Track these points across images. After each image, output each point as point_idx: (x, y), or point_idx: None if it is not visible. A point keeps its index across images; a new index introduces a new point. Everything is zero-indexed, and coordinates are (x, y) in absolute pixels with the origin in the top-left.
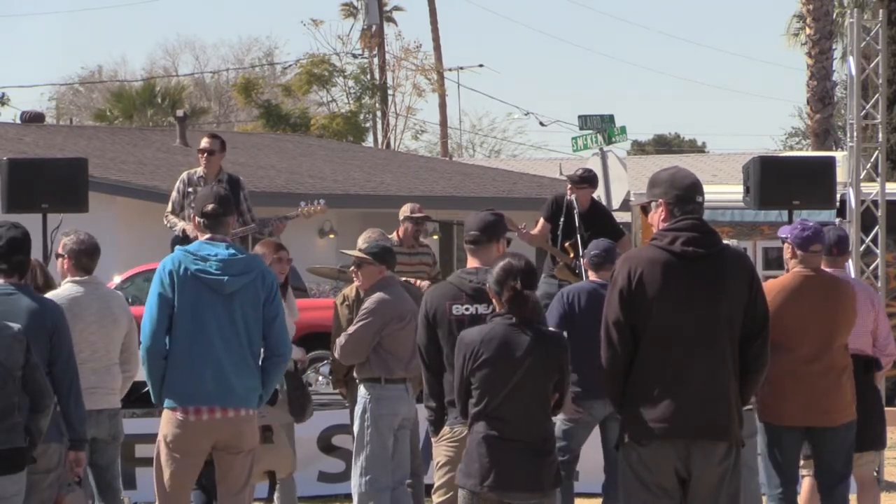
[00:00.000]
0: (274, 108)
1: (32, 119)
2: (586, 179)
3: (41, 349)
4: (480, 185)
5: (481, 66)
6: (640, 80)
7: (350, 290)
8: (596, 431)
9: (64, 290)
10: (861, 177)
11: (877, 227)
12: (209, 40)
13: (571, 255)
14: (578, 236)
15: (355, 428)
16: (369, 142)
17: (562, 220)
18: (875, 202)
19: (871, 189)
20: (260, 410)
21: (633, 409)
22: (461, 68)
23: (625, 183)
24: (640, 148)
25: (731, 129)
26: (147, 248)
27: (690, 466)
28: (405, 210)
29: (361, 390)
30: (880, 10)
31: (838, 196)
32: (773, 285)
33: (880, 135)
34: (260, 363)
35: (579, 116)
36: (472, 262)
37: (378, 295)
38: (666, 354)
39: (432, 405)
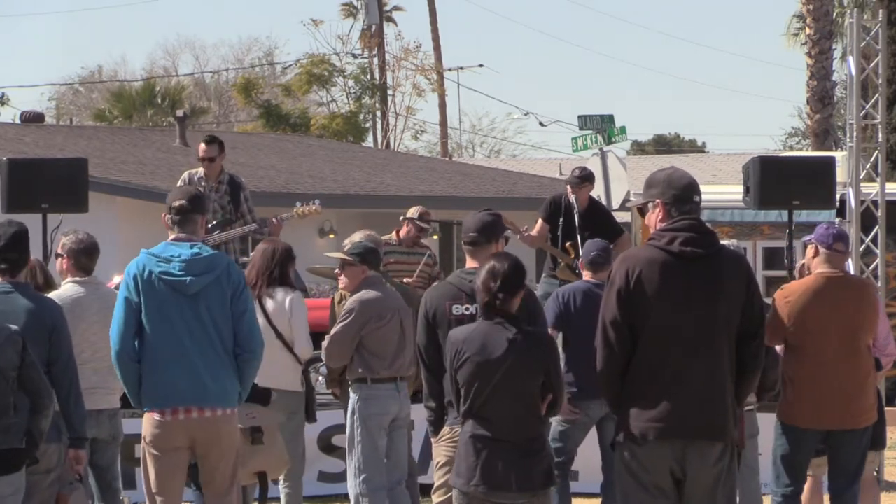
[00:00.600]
0: (274, 108)
1: (32, 119)
2: (585, 178)
3: (40, 349)
4: (480, 185)
5: (481, 66)
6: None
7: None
8: (593, 432)
9: (65, 290)
10: (861, 177)
11: (877, 227)
12: (209, 40)
13: (572, 255)
14: (579, 236)
15: (347, 429)
16: (369, 142)
17: (561, 220)
18: (875, 202)
19: (871, 189)
20: (251, 411)
21: (630, 408)
22: (461, 68)
23: (625, 183)
24: (640, 148)
25: (731, 129)
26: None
27: (686, 467)
28: (412, 212)
29: (351, 391)
30: (880, 10)
31: (838, 196)
32: (797, 287)
33: (880, 135)
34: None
35: (579, 116)
36: (470, 263)
37: (357, 295)
38: (664, 354)
39: (432, 405)
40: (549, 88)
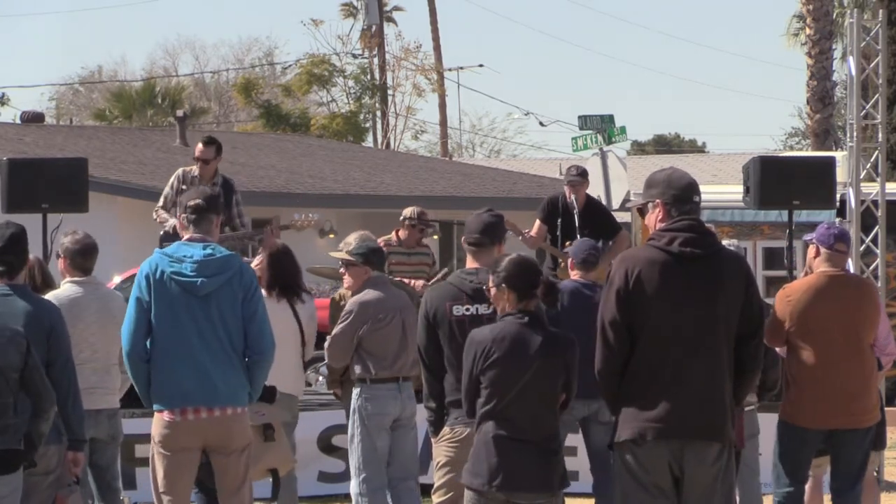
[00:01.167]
0: (274, 108)
1: (32, 119)
2: (583, 175)
3: (38, 350)
4: (480, 185)
5: (481, 66)
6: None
7: (346, 291)
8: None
9: (63, 290)
10: (861, 177)
11: (877, 227)
12: (209, 40)
13: None
14: (578, 236)
15: (348, 428)
16: (369, 142)
17: (560, 220)
18: (875, 202)
19: (871, 189)
20: (259, 409)
21: (629, 408)
22: (461, 68)
23: (625, 183)
24: (640, 148)
25: (731, 129)
26: (147, 248)
27: (683, 466)
28: (410, 212)
29: (354, 391)
30: (880, 10)
31: (838, 196)
32: (799, 286)
33: (880, 135)
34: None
35: (579, 116)
36: (471, 263)
37: (357, 296)
38: (663, 354)
39: (432, 406)
40: (549, 88)
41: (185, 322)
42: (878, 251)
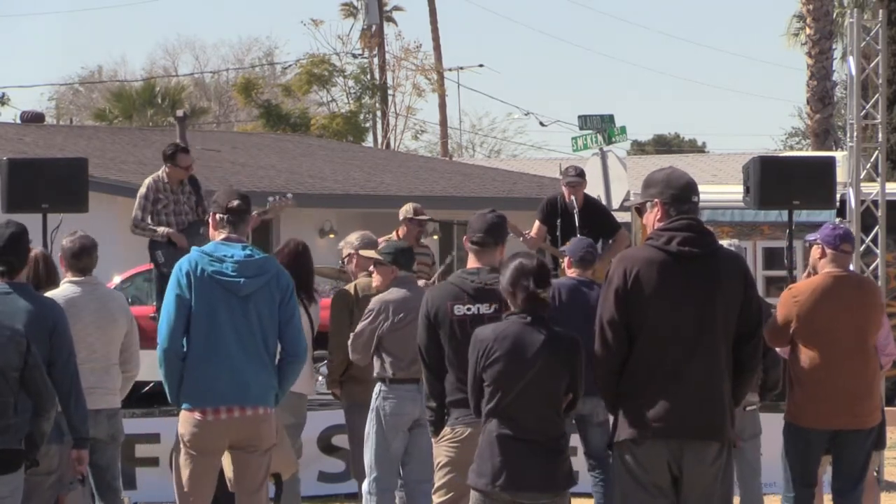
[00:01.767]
0: (274, 108)
1: (32, 119)
2: (579, 175)
3: (40, 349)
4: (480, 185)
5: (481, 66)
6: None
7: (350, 288)
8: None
9: (61, 290)
10: (861, 177)
11: (877, 227)
12: (209, 40)
13: None
14: (578, 236)
15: (366, 425)
16: (369, 142)
17: (559, 220)
18: (875, 202)
19: (871, 189)
20: None
21: (628, 408)
22: (461, 68)
23: (625, 183)
24: (640, 148)
25: (731, 129)
26: (147, 248)
27: (682, 466)
28: (407, 211)
29: (374, 389)
30: (880, 10)
31: (838, 196)
32: (805, 286)
33: (880, 135)
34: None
35: (579, 116)
36: (472, 263)
37: (380, 295)
38: (661, 354)
39: (433, 405)
40: (549, 88)
41: (224, 322)
42: (878, 251)
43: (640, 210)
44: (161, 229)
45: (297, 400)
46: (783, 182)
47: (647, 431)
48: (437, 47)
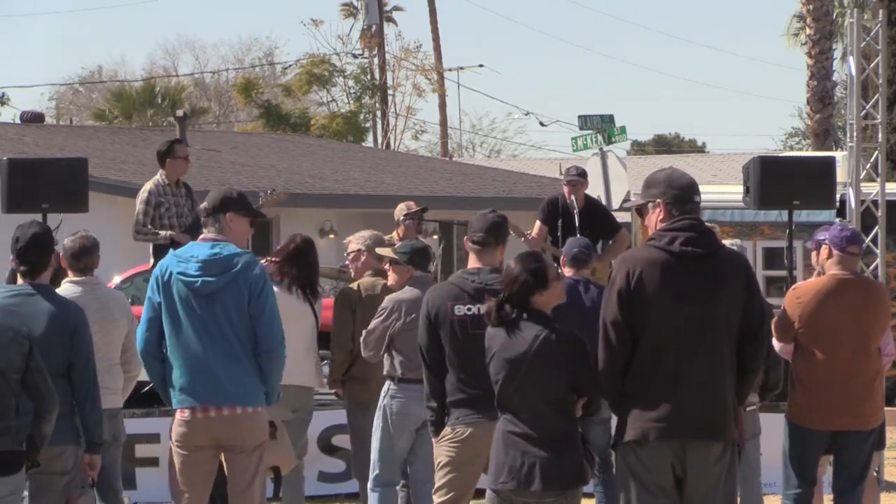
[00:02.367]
0: (274, 108)
1: (32, 119)
2: (580, 175)
3: (61, 351)
4: (480, 185)
5: (481, 66)
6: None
7: (354, 287)
8: None
9: (62, 290)
10: (861, 177)
11: (877, 227)
12: (209, 40)
13: None
14: (579, 235)
15: (374, 421)
16: (369, 142)
17: (560, 221)
18: (875, 202)
19: (871, 189)
20: None
21: (631, 409)
22: (461, 68)
23: (625, 183)
24: (640, 148)
25: (731, 129)
26: (147, 248)
27: (686, 466)
28: (400, 210)
29: (383, 387)
30: (880, 10)
31: (838, 196)
32: (809, 288)
33: (880, 135)
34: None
35: (579, 116)
36: (473, 263)
37: (394, 294)
38: (664, 354)
39: (433, 405)
40: (549, 88)
41: (191, 322)
42: (878, 251)
43: (640, 211)
44: (163, 232)
45: (303, 393)
46: (783, 182)
47: (651, 432)
48: (437, 47)
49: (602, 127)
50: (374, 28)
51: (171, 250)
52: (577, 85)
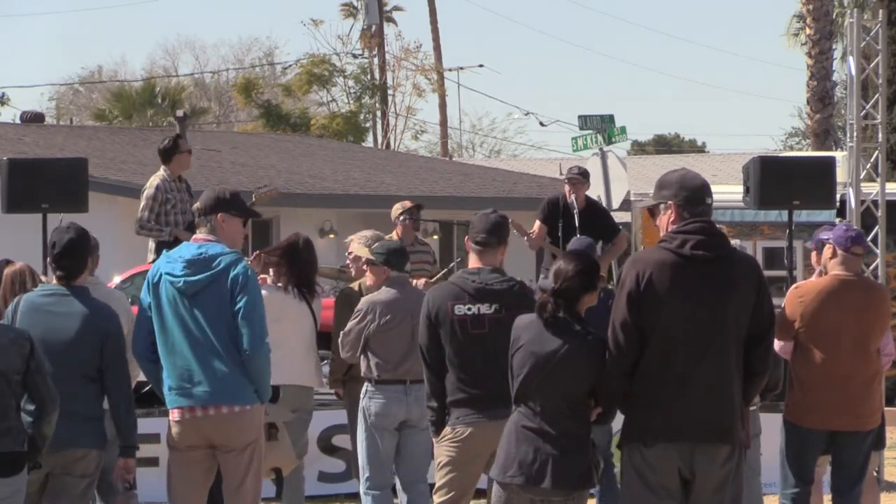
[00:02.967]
0: (274, 108)
1: (32, 119)
2: (582, 174)
3: (91, 354)
4: (480, 185)
5: (481, 66)
6: (640, 80)
7: (355, 286)
8: None
9: None
10: (861, 177)
11: (877, 227)
12: (209, 40)
13: None
14: (579, 235)
15: (357, 426)
16: (369, 142)
17: (561, 221)
18: (875, 202)
19: (871, 189)
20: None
21: (639, 409)
22: (461, 68)
23: (625, 183)
24: (640, 148)
25: (731, 129)
26: (147, 248)
27: (694, 468)
28: (397, 208)
29: (362, 389)
30: (880, 10)
31: (838, 196)
32: (810, 288)
33: (880, 135)
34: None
35: (579, 116)
36: (474, 263)
37: (370, 295)
38: (673, 356)
39: (433, 405)
40: (549, 88)
41: (177, 322)
42: (878, 251)
43: (652, 211)
44: (167, 229)
45: (304, 393)
46: (783, 182)
47: (658, 433)
48: (437, 47)
49: (602, 127)
50: (374, 28)
51: (163, 251)
52: (577, 85)
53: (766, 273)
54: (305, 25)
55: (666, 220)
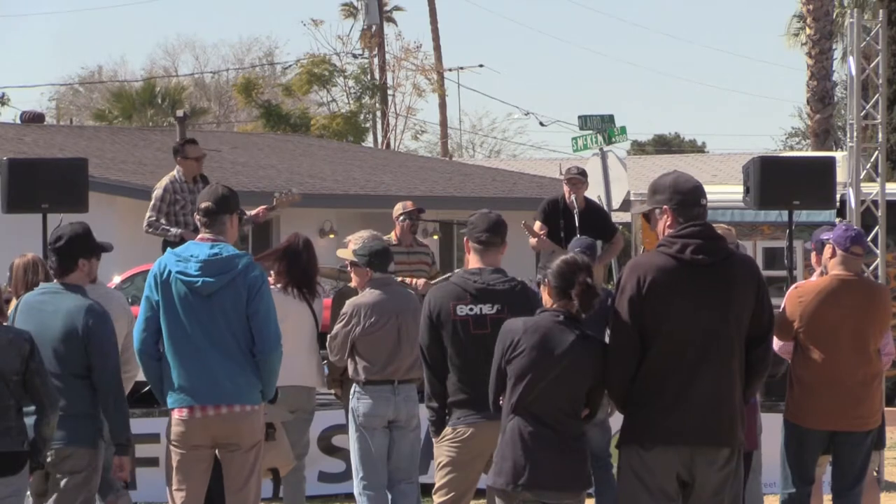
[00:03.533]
0: (274, 108)
1: (32, 119)
2: (581, 174)
3: (76, 351)
4: (480, 185)
5: (481, 66)
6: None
7: (353, 286)
8: None
9: None
10: (861, 177)
11: (877, 227)
12: (209, 40)
13: None
14: (579, 235)
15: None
16: (369, 142)
17: (561, 221)
18: (875, 202)
19: (871, 189)
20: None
21: (639, 412)
22: (461, 68)
23: (625, 183)
24: (640, 148)
25: (731, 129)
26: (147, 248)
27: (694, 471)
28: (398, 208)
29: (351, 390)
30: (880, 10)
31: (838, 196)
32: (810, 288)
33: (880, 135)
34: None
35: (579, 116)
36: (474, 263)
37: (354, 298)
38: (673, 360)
39: (434, 406)
40: (549, 88)
41: (190, 321)
42: (878, 251)
43: (647, 217)
44: (174, 230)
45: (304, 393)
46: (783, 182)
47: (657, 436)
48: (437, 47)
49: (602, 127)
50: (374, 28)
51: (168, 249)
52: (577, 85)
53: (766, 273)
54: (305, 25)
55: (663, 225)
